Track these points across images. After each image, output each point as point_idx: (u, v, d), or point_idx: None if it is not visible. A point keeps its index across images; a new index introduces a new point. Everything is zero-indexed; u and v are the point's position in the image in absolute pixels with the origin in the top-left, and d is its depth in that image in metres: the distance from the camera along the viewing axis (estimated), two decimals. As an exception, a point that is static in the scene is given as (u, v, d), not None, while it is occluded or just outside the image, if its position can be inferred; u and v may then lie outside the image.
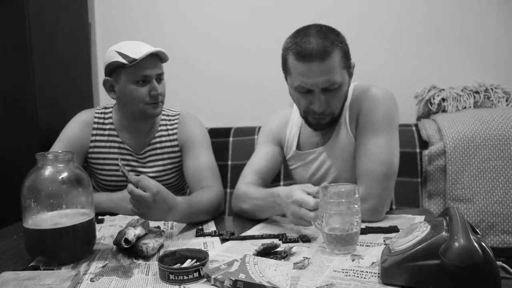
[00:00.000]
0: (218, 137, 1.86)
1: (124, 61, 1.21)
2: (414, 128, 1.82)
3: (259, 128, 1.87)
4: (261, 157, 1.28)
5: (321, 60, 1.02)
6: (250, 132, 1.89)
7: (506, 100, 1.89)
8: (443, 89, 1.94)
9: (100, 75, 2.22)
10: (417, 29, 2.09)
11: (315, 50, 1.02)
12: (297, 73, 1.06)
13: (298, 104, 1.15)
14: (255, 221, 1.12)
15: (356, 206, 0.85)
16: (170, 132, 1.37)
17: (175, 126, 1.37)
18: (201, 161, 1.30)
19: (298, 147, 1.27)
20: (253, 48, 2.16)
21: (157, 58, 1.26)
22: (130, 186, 0.94)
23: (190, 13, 2.18)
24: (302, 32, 1.07)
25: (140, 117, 1.31)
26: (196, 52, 2.19)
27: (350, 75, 1.14)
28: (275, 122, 1.33)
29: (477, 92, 1.92)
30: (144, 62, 1.22)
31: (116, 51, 1.23)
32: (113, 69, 1.25)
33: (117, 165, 1.33)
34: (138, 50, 1.22)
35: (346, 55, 1.08)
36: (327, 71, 1.03)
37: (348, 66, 1.10)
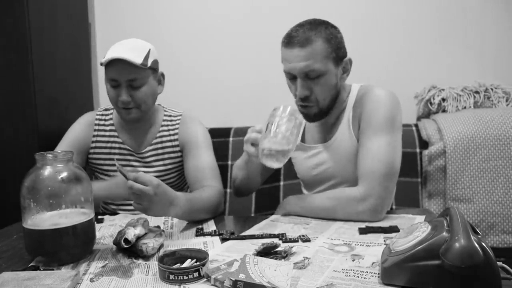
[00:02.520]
0: (218, 137, 1.86)
1: (102, 60, 1.22)
2: (414, 128, 1.82)
3: (259, 128, 1.88)
4: None
5: (301, 47, 1.09)
6: (250, 132, 1.88)
7: (506, 100, 1.89)
8: (443, 89, 1.93)
9: (100, 75, 2.22)
10: (417, 29, 2.08)
11: (298, 37, 1.10)
12: (283, 58, 1.14)
13: (290, 91, 1.20)
14: (255, 221, 1.12)
15: (292, 124, 0.99)
16: (172, 132, 1.37)
17: (177, 126, 1.37)
18: (202, 161, 1.30)
19: (303, 140, 1.31)
20: (253, 48, 2.16)
21: (127, 63, 1.19)
22: (130, 181, 0.93)
23: (190, 13, 2.18)
24: (298, 24, 1.14)
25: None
26: (197, 52, 2.19)
27: (345, 70, 1.18)
28: None
29: (477, 92, 1.92)
30: (111, 65, 1.21)
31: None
32: None
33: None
34: (111, 52, 1.21)
35: (334, 47, 1.12)
36: (306, 57, 1.09)
37: (336, 58, 1.13)
